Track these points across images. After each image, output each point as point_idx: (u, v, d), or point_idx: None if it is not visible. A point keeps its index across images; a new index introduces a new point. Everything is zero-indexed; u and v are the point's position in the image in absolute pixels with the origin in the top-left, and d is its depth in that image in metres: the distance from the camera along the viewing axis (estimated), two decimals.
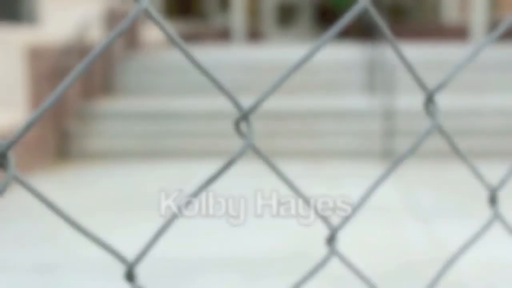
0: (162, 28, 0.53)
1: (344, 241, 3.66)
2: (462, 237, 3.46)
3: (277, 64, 8.13)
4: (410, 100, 6.47)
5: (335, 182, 5.11)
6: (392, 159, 5.86)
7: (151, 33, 10.33)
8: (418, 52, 8.27)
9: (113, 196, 4.73)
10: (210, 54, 8.79)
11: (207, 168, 5.45)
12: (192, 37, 14.27)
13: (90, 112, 6.63)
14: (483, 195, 3.86)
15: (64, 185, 5.17)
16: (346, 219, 0.80)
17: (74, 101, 6.54)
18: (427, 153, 5.94)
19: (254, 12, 15.21)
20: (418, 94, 6.99)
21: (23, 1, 13.89)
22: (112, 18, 7.83)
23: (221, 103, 5.92)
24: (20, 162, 5.27)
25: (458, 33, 12.98)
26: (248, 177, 4.47)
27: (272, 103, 6.64)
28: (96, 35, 7.23)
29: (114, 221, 4.13)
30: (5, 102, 5.32)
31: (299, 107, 6.66)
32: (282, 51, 9.46)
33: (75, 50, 6.47)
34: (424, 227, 3.96)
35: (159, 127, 6.40)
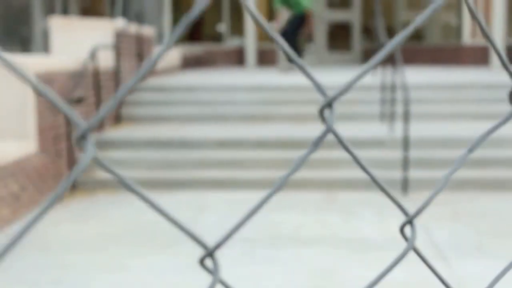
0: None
1: (358, 278, 3.74)
2: (483, 276, 3.50)
3: (288, 86, 8.25)
4: (425, 128, 6.54)
5: (351, 214, 5.16)
6: (411, 190, 5.91)
7: (161, 60, 10.48)
8: (434, 74, 8.34)
9: (123, 228, 4.82)
10: (223, 75, 8.94)
11: (220, 198, 5.54)
12: (206, 59, 14.46)
13: (99, 141, 6.75)
14: (503, 229, 3.93)
15: (74, 216, 5.26)
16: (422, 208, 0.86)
17: None
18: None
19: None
20: (433, 122, 7.01)
21: (34, 31, 14.12)
22: (120, 44, 8.00)
23: (233, 131, 6.03)
24: (34, 188, 5.38)
25: (479, 56, 13.05)
26: None
27: (286, 131, 6.74)
28: (105, 61, 7.38)
29: (125, 254, 4.20)
30: (17, 131, 5.44)
31: (313, 135, 6.74)
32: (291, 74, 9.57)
33: (86, 77, 6.62)
34: (443, 265, 3.99)
35: (170, 155, 6.49)
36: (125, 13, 11.26)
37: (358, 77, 0.73)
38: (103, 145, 6.74)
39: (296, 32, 10.30)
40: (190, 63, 13.17)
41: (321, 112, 0.78)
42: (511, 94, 0.85)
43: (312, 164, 6.31)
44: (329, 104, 0.78)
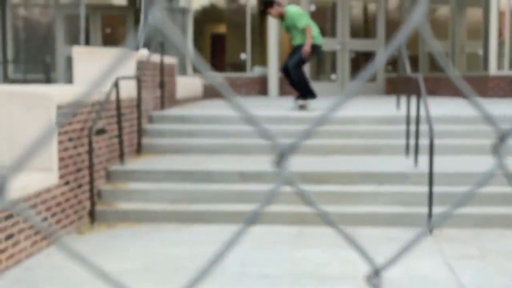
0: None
1: None
2: None
3: (310, 118, 8.24)
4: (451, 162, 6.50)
5: (372, 251, 5.13)
6: (435, 226, 5.86)
7: (183, 90, 10.59)
8: (459, 107, 8.31)
9: (143, 264, 4.83)
10: (245, 106, 8.96)
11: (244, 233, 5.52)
12: (231, 86, 14.55)
13: (120, 172, 6.81)
14: None
15: (92, 250, 5.29)
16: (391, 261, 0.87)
17: (106, 162, 6.74)
18: (466, 221, 5.94)
19: None
20: (458, 156, 6.93)
21: (57, 58, 14.32)
22: (142, 74, 8.09)
23: (255, 163, 6.04)
24: (54, 220, 5.43)
25: (505, 87, 12.98)
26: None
27: (307, 164, 6.73)
28: (127, 91, 7.47)
29: None
30: (39, 162, 5.51)
31: (336, 169, 6.74)
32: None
33: (108, 108, 6.70)
34: None
35: (190, 187, 6.51)
36: (148, 43, 11.41)
37: (333, 108, 0.75)
38: (124, 176, 6.80)
39: (298, 65, 9.26)
40: (211, 92, 13.27)
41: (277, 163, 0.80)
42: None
43: (333, 198, 6.30)
44: (281, 157, 0.79)
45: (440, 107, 9.42)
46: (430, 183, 5.75)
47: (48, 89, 5.96)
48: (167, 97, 9.41)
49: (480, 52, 13.57)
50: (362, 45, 15.35)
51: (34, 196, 5.12)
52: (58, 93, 5.72)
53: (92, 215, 6.11)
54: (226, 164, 6.93)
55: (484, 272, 4.59)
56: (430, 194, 5.75)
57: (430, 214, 5.77)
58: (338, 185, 6.49)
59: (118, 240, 5.58)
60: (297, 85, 9.23)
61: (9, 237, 4.71)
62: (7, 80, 15.19)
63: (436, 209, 5.98)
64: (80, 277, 4.51)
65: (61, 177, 5.66)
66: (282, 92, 15.00)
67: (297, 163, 6.98)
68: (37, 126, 5.49)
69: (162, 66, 9.02)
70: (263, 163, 6.89)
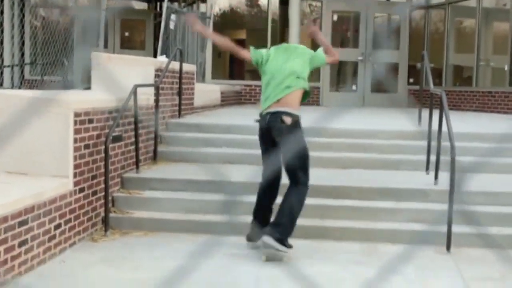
0: None
1: None
2: None
3: (328, 130, 8.27)
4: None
5: (389, 270, 5.13)
6: (454, 244, 5.84)
7: (201, 97, 10.66)
8: (483, 122, 8.28)
9: (156, 274, 4.87)
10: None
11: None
12: (246, 96, 14.61)
13: (136, 179, 6.86)
14: None
15: (105, 258, 5.34)
16: None
17: (121, 170, 6.80)
18: (488, 241, 5.91)
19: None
20: (480, 174, 6.91)
21: (74, 62, 14.48)
22: (161, 81, 8.15)
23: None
24: (68, 227, 5.49)
25: None
26: None
27: (325, 178, 6.74)
28: (145, 98, 7.53)
29: None
30: (55, 169, 5.58)
31: (355, 183, 6.75)
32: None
33: (126, 115, 6.76)
34: None
35: (206, 197, 6.54)
36: (167, 50, 11.50)
37: None
38: (139, 184, 6.85)
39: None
40: (229, 100, 13.33)
41: None
42: None
43: (351, 213, 6.30)
44: None
45: (464, 123, 9.40)
46: (451, 201, 5.73)
47: (66, 96, 6.03)
48: (184, 104, 9.47)
49: (506, 67, 13.50)
50: (384, 56, 15.34)
51: (48, 203, 5.18)
52: (76, 99, 5.78)
53: (106, 223, 6.17)
54: (243, 174, 6.95)
55: None
56: (450, 211, 5.74)
57: (449, 233, 5.75)
58: (356, 200, 6.49)
59: (132, 249, 5.62)
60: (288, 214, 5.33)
61: (22, 243, 4.77)
62: (24, 81, 15.34)
63: (456, 228, 5.97)
64: (92, 285, 4.56)
65: (76, 184, 5.72)
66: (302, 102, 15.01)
67: (315, 176, 6.99)
68: (53, 132, 5.56)
69: (180, 73, 9.08)
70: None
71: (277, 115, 5.41)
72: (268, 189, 5.60)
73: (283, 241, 5.20)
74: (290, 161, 5.34)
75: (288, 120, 5.38)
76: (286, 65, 5.52)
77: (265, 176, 5.61)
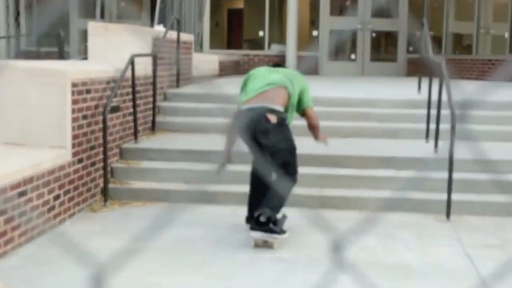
0: None
1: None
2: None
3: (327, 99, 8.25)
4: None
5: (390, 237, 5.15)
6: (453, 213, 5.86)
7: (199, 67, 10.60)
8: (483, 90, 8.25)
9: (154, 244, 4.88)
10: None
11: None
12: (244, 66, 14.55)
13: (134, 150, 6.85)
14: None
15: (105, 228, 5.35)
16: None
17: (119, 140, 6.78)
18: (487, 209, 5.93)
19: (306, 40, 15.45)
20: (480, 142, 6.90)
21: (71, 32, 14.36)
22: (158, 50, 8.10)
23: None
24: (67, 198, 5.50)
25: None
26: None
27: (324, 148, 6.74)
28: (143, 68, 7.50)
29: (154, 273, 4.27)
30: (53, 140, 5.57)
31: (354, 152, 6.74)
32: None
33: (123, 85, 6.73)
34: None
35: (205, 167, 6.54)
36: (164, 19, 11.41)
37: None
38: (137, 154, 6.85)
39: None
40: (227, 69, 13.27)
41: None
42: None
43: (351, 181, 6.31)
44: None
45: (463, 91, 9.36)
46: (450, 169, 5.74)
47: (63, 66, 5.99)
48: (183, 75, 9.43)
49: (506, 34, 13.43)
50: (383, 24, 15.24)
51: (47, 174, 5.18)
52: (73, 69, 5.75)
53: (105, 193, 6.17)
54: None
55: (502, 261, 4.60)
56: (450, 180, 5.74)
57: (449, 201, 5.77)
58: (356, 169, 6.50)
59: (131, 219, 5.64)
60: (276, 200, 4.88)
61: (22, 214, 4.78)
62: (20, 52, 15.26)
63: (456, 196, 5.98)
64: (92, 255, 4.58)
65: (75, 154, 5.72)
66: (300, 71, 14.95)
67: (314, 145, 6.99)
68: (51, 103, 5.54)
69: (178, 43, 9.02)
70: None
71: (260, 111, 4.81)
72: (256, 188, 5.20)
73: (270, 229, 4.75)
74: (278, 156, 4.85)
75: (273, 118, 4.82)
76: (271, 75, 5.06)
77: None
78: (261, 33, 15.34)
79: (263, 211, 4.73)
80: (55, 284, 4.00)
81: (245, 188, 5.42)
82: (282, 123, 4.86)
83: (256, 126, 4.81)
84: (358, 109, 8.15)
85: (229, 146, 5.07)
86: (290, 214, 5.20)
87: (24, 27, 15.98)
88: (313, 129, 5.33)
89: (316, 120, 5.28)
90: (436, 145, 6.78)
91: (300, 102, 5.14)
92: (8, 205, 4.59)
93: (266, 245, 4.85)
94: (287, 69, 5.38)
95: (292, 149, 4.92)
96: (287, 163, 4.88)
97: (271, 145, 4.82)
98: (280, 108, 4.88)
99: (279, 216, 4.93)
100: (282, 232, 4.84)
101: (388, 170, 6.51)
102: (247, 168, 5.45)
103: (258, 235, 4.79)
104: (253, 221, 4.82)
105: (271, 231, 4.77)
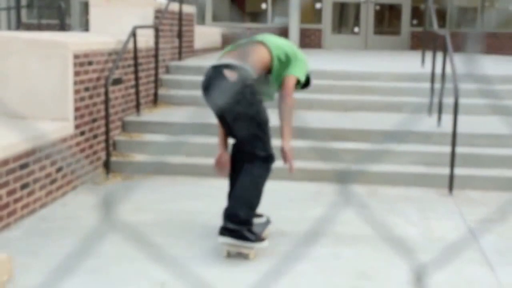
0: None
1: (400, 278, 3.75)
2: None
3: (331, 72, 8.23)
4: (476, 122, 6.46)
5: (394, 209, 5.17)
6: (456, 187, 5.88)
7: (201, 39, 10.56)
8: (488, 64, 8.22)
9: (158, 217, 4.91)
10: None
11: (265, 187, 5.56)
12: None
13: (136, 123, 6.85)
14: None
15: (109, 201, 5.37)
16: None
17: (121, 113, 6.78)
18: (489, 183, 5.94)
19: (309, 14, 15.33)
20: (483, 116, 6.89)
21: (71, 3, 14.27)
22: (160, 23, 8.05)
23: (274, 118, 6.05)
24: (69, 170, 5.51)
25: None
26: None
27: (326, 120, 6.73)
28: (145, 40, 7.46)
29: (159, 245, 4.29)
30: (56, 112, 5.57)
31: (356, 126, 6.74)
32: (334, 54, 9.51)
33: (125, 57, 6.71)
34: (487, 272, 3.99)
35: (208, 140, 6.55)
36: None
37: None
38: (140, 127, 6.85)
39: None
40: (229, 42, 13.20)
41: None
42: None
43: (352, 155, 6.31)
44: None
45: (468, 65, 9.32)
46: (453, 143, 5.73)
47: (64, 37, 5.97)
48: (185, 47, 9.39)
49: (511, 7, 13.32)
50: None
51: (49, 146, 5.19)
52: (75, 41, 5.73)
53: (107, 166, 6.19)
54: None
55: (504, 235, 4.62)
56: (453, 154, 5.74)
57: (451, 175, 5.77)
58: (357, 143, 6.50)
59: (133, 192, 5.66)
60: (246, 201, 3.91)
61: (24, 186, 4.79)
62: (21, 25, 15.20)
63: (458, 170, 5.99)
64: (94, 228, 4.60)
65: (77, 127, 5.72)
66: (303, 45, 14.89)
67: (316, 119, 6.98)
68: (53, 75, 5.53)
69: (180, 15, 8.97)
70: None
71: (219, 68, 3.87)
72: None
73: (243, 235, 3.83)
74: (238, 126, 3.86)
75: (231, 75, 3.82)
76: (257, 37, 4.10)
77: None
78: (264, 6, 15.25)
79: (226, 222, 3.84)
80: (57, 255, 4.03)
81: None
82: (247, 84, 3.77)
83: (209, 85, 3.88)
84: (361, 83, 8.12)
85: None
86: (291, 186, 5.22)
87: None
88: (282, 110, 3.95)
89: (290, 96, 3.92)
90: (439, 118, 6.76)
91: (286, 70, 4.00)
92: (11, 177, 4.60)
93: (240, 255, 3.97)
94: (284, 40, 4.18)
95: (259, 119, 3.84)
96: (252, 137, 3.85)
97: (228, 110, 3.79)
98: (249, 67, 3.82)
99: (262, 220, 4.27)
100: (258, 240, 3.91)
101: (391, 144, 6.51)
102: None
103: (228, 240, 3.86)
104: (222, 223, 3.90)
105: (244, 238, 3.84)
